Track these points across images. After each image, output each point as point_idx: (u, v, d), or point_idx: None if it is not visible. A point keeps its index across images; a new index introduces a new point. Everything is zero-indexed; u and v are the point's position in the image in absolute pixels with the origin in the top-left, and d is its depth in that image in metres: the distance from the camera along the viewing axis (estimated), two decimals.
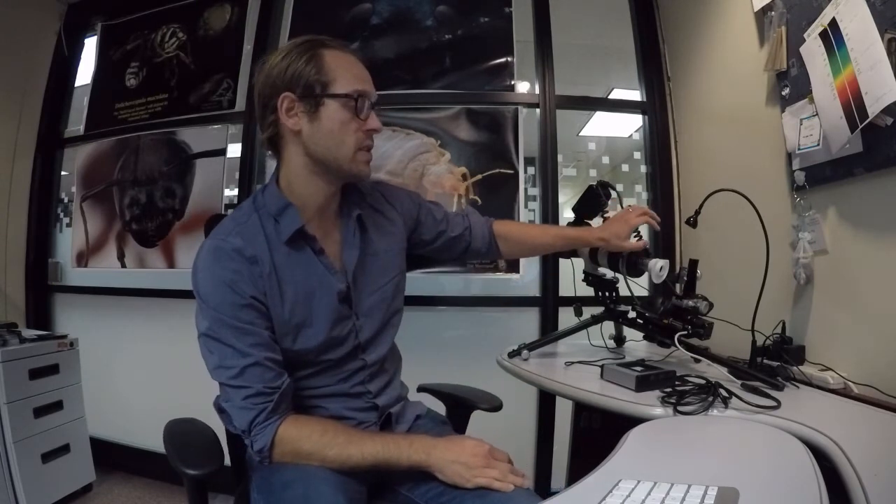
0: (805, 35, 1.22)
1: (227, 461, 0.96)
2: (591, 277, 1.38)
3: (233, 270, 0.83)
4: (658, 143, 2.00)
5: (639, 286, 1.29)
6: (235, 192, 2.13)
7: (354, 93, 0.87)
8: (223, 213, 2.07)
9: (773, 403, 0.91)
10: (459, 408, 1.20)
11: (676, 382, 1.03)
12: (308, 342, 0.89)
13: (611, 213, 1.33)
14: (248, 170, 2.09)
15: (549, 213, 1.96)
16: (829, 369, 1.14)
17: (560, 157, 2.00)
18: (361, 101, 0.88)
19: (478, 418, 1.21)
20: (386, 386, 1.01)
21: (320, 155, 0.88)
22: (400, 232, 1.07)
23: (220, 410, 0.90)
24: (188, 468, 0.80)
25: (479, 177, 1.97)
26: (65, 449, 1.91)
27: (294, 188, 0.91)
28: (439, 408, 1.18)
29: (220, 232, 0.88)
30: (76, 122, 2.47)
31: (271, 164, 2.12)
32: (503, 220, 1.22)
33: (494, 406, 1.18)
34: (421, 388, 1.24)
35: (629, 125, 2.19)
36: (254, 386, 0.82)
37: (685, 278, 1.18)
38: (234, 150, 2.13)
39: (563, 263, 1.84)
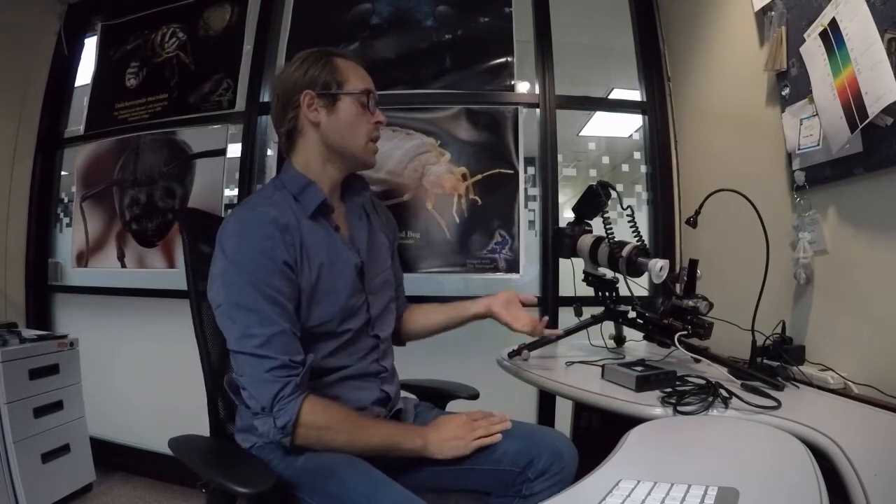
0: (805, 35, 1.22)
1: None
2: (591, 277, 1.38)
3: (267, 236, 0.89)
4: (658, 143, 2.00)
5: (639, 286, 1.29)
6: (235, 192, 2.12)
7: (364, 90, 1.01)
8: (223, 212, 2.08)
9: (774, 403, 0.91)
10: (434, 399, 1.24)
11: (676, 382, 1.03)
12: (331, 308, 0.95)
13: (611, 214, 1.33)
14: (248, 170, 2.08)
15: (549, 212, 1.96)
16: (829, 369, 1.14)
17: (560, 157, 1.99)
18: (370, 98, 1.02)
19: None
20: (394, 372, 1.10)
21: (337, 143, 1.00)
22: (385, 238, 1.16)
23: (235, 390, 0.91)
24: (241, 486, 0.73)
25: (479, 177, 1.97)
26: (65, 449, 1.91)
27: (309, 173, 1.01)
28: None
29: (251, 204, 0.96)
30: (76, 122, 2.46)
31: (271, 165, 2.12)
32: (415, 305, 1.28)
33: (471, 395, 1.26)
34: None
35: (629, 125, 2.19)
36: (279, 357, 0.84)
37: (685, 278, 1.18)
38: (234, 150, 2.13)
39: (563, 263, 1.83)
